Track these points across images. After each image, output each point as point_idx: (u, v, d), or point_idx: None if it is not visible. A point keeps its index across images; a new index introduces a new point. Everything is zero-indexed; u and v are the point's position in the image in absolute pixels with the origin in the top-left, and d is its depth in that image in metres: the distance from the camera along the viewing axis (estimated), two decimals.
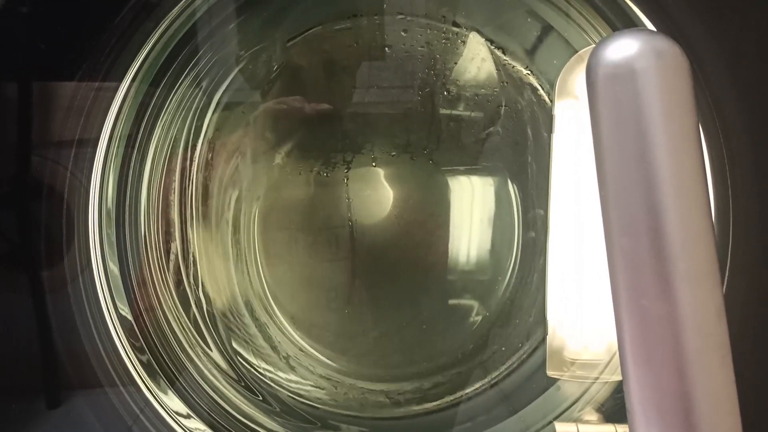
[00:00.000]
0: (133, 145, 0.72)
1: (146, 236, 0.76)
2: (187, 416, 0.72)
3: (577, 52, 0.67)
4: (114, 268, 0.71)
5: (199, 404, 0.74)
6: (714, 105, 0.55)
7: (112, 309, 0.69)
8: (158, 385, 0.71)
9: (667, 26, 0.56)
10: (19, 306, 0.66)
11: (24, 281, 0.67)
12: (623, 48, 0.34)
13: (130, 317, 0.71)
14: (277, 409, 0.82)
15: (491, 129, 0.87)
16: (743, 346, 0.41)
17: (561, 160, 0.66)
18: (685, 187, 0.34)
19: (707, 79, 0.55)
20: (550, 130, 0.67)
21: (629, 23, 0.60)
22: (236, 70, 0.83)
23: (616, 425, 0.63)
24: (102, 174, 0.68)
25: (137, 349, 0.70)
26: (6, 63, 0.62)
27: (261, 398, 0.82)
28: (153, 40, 0.67)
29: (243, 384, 0.82)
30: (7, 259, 0.67)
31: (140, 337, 0.72)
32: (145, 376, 0.70)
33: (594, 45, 0.42)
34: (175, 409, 0.71)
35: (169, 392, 0.72)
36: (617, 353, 0.66)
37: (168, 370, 0.74)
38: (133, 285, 0.72)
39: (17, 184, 0.66)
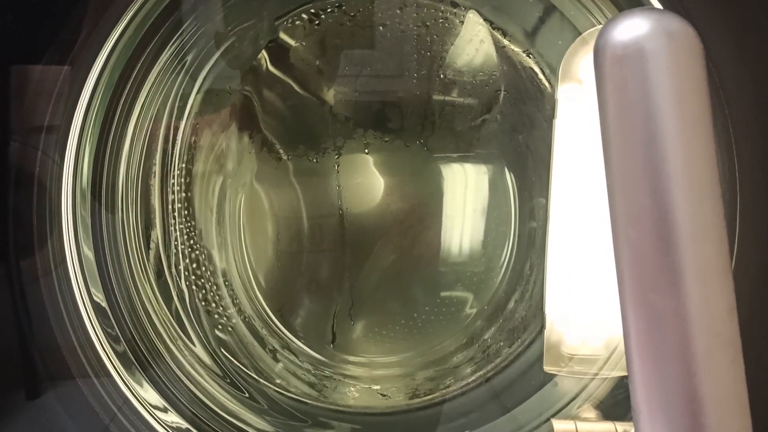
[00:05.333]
0: (110, 125, 0.70)
1: (124, 222, 0.74)
2: (164, 409, 0.70)
3: (580, 34, 0.65)
4: (89, 253, 0.69)
5: (180, 401, 0.72)
6: (723, 90, 0.54)
7: (86, 296, 0.67)
8: (133, 375, 0.69)
9: (674, 6, 0.54)
10: None
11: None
12: (633, 28, 0.33)
13: (105, 305, 0.69)
14: (265, 407, 0.80)
15: (488, 115, 0.85)
16: (752, 343, 0.40)
17: (563, 147, 0.65)
18: (695, 176, 0.33)
19: (715, 64, 0.53)
20: (550, 116, 0.65)
21: (636, 3, 0.59)
22: (222, 48, 0.80)
23: (616, 423, 0.62)
24: (77, 152, 0.66)
25: (112, 339, 0.69)
26: None
27: (248, 395, 0.80)
28: (129, 16, 0.65)
29: (228, 380, 0.80)
30: None
31: (116, 326, 0.70)
32: (121, 367, 0.68)
33: (600, 26, 0.40)
34: (152, 403, 0.69)
35: (150, 390, 0.70)
36: (616, 349, 0.66)
37: (147, 363, 0.72)
38: (110, 272, 0.70)
39: None
